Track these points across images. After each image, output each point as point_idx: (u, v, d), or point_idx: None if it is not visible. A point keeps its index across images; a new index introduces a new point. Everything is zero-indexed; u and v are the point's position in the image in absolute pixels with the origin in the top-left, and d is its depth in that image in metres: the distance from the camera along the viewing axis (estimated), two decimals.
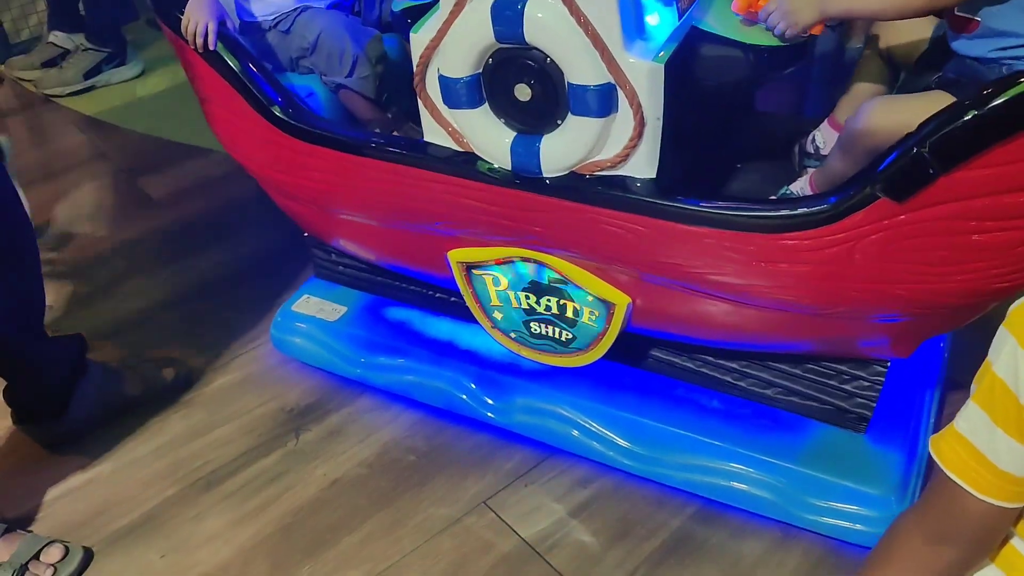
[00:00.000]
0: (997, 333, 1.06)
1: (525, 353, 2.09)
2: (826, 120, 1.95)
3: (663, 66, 1.56)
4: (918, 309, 1.64)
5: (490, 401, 2.14)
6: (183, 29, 1.99)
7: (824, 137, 1.93)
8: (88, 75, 3.61)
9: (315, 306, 2.39)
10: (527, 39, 1.59)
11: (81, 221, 2.96)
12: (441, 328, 2.29)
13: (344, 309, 2.38)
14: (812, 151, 1.96)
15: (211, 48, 1.98)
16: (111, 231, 2.92)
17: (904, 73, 1.86)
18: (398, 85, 2.24)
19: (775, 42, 1.62)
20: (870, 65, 1.87)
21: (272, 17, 2.24)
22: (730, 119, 2.03)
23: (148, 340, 2.49)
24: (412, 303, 2.35)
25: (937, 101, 1.53)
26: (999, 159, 1.36)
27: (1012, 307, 1.06)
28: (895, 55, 1.84)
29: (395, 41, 2.30)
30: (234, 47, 2.01)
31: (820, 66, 2.28)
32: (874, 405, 1.93)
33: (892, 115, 1.59)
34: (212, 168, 3.14)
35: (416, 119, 1.88)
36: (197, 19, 1.97)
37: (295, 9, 2.23)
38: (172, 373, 2.32)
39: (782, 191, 1.90)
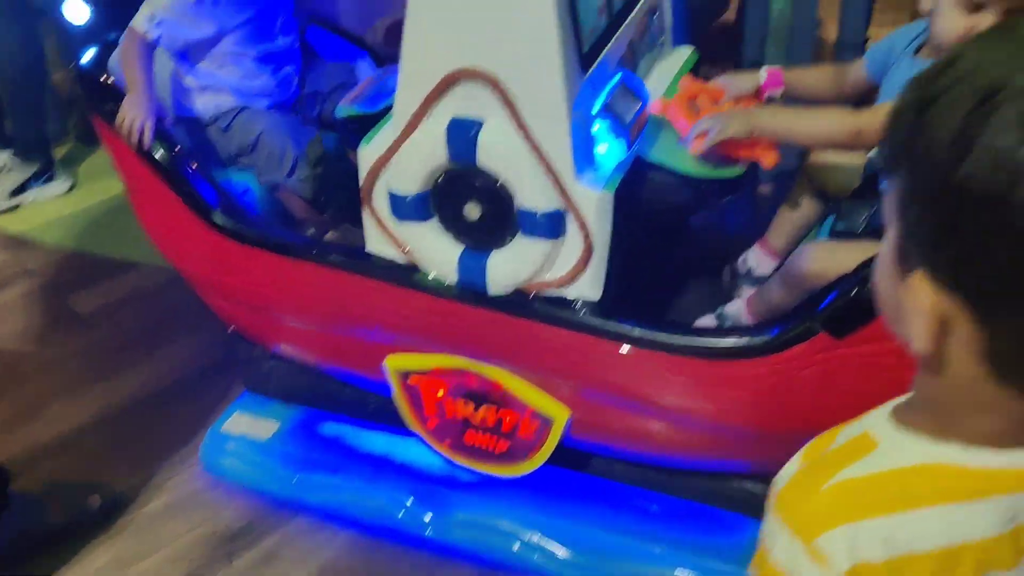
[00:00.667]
0: (766, 518, 0.99)
1: (460, 461, 2.07)
2: (757, 244, 2.02)
3: (612, 194, 1.62)
4: None
5: (428, 518, 2.10)
6: (118, 125, 1.96)
7: (756, 259, 2.00)
8: (15, 193, 3.54)
9: (246, 424, 2.33)
10: (479, 163, 1.64)
11: (4, 340, 2.87)
12: (376, 442, 2.25)
13: (276, 425, 2.32)
14: (744, 272, 2.03)
15: (146, 146, 1.95)
16: (36, 349, 2.83)
17: (835, 203, 1.95)
18: (337, 184, 2.24)
19: (715, 173, 1.71)
20: (801, 193, 1.97)
21: (211, 114, 2.24)
22: (671, 243, 2.11)
23: (73, 465, 2.38)
24: (346, 415, 2.32)
25: (873, 250, 1.62)
26: None
27: (777, 489, 0.99)
28: (827, 186, 1.94)
29: (334, 140, 2.31)
30: (171, 145, 1.99)
31: (749, 191, 2.39)
32: None
33: (834, 262, 1.67)
34: (142, 281, 3.08)
35: (353, 219, 1.88)
36: (133, 116, 1.93)
37: (235, 108, 2.24)
38: (98, 500, 2.22)
39: (718, 311, 1.95)
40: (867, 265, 1.48)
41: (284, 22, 2.28)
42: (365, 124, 1.84)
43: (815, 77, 1.89)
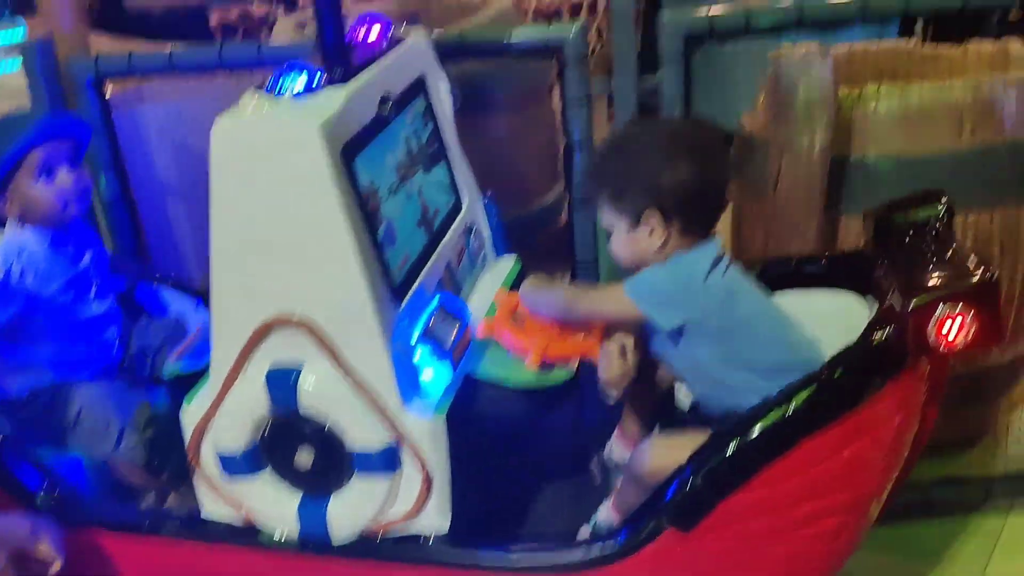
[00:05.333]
0: None
1: None
2: (615, 434, 1.99)
3: (443, 419, 1.59)
4: None
5: None
6: None
7: (619, 451, 1.97)
8: None
9: None
10: (302, 410, 1.60)
11: None
12: None
13: None
14: (614, 466, 1.99)
15: None
16: None
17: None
18: (172, 443, 2.10)
19: (546, 380, 1.69)
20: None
21: (27, 394, 2.10)
22: (521, 455, 2.07)
23: None
24: None
25: (702, 437, 1.65)
26: (766, 480, 1.50)
27: None
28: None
29: (168, 396, 2.19)
30: None
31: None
32: None
33: (670, 456, 1.66)
34: None
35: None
36: None
37: (52, 385, 2.10)
38: None
39: (591, 521, 1.90)
40: (698, 456, 1.54)
41: (100, 286, 2.20)
42: (193, 381, 1.77)
43: None
